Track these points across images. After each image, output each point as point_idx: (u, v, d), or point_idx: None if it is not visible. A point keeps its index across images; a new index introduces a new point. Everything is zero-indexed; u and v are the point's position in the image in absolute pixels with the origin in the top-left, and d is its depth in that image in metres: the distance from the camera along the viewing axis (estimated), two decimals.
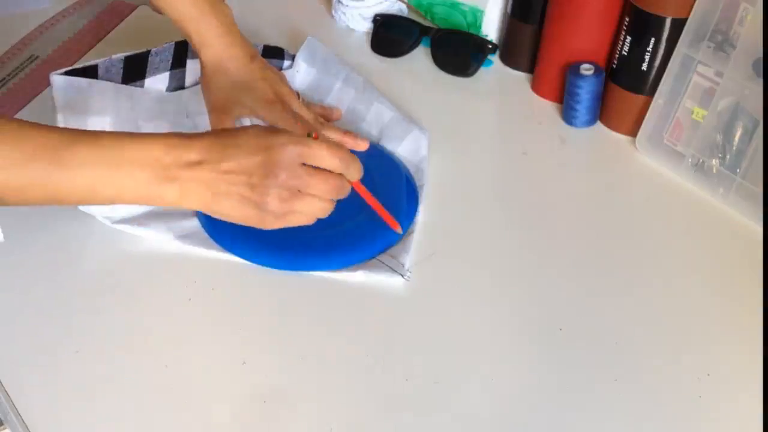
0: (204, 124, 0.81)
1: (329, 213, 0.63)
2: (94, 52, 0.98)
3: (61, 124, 0.75)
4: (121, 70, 0.80)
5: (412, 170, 0.80)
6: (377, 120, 0.84)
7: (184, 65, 0.85)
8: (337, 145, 0.63)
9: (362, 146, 0.80)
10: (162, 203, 0.59)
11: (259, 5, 1.08)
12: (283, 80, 0.82)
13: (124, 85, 0.80)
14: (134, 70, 0.81)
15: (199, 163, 0.58)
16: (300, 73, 0.89)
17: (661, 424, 0.59)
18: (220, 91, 0.77)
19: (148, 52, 0.82)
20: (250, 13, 1.05)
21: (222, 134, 0.60)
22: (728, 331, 0.66)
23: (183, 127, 0.82)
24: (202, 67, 0.77)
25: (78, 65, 0.78)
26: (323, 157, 0.60)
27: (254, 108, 0.78)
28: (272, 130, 0.61)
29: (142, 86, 0.82)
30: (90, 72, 0.78)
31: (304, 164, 0.60)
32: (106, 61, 0.79)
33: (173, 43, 0.83)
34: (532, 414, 0.60)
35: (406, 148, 0.82)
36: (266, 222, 0.61)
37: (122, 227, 0.72)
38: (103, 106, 0.78)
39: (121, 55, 0.80)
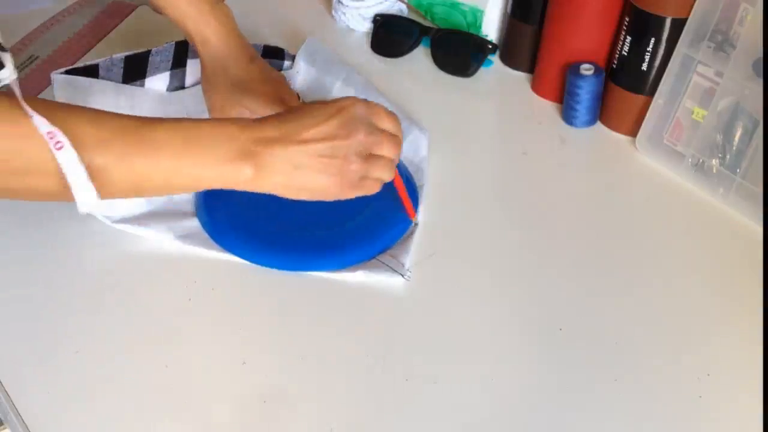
0: None
1: (393, 177, 0.64)
2: (94, 52, 0.98)
3: None
4: (122, 70, 0.80)
5: (412, 170, 0.80)
6: None
7: (184, 65, 0.85)
8: (390, 110, 0.63)
9: None
10: (238, 184, 0.58)
11: (259, 5, 1.08)
12: (283, 81, 0.82)
13: (124, 85, 0.81)
14: (135, 70, 0.81)
15: (277, 139, 0.58)
16: (300, 74, 0.89)
17: (661, 424, 0.59)
18: (220, 92, 0.77)
19: (149, 51, 0.82)
20: (250, 13, 1.05)
21: (288, 112, 0.61)
22: (728, 331, 0.66)
23: None
24: (203, 68, 0.77)
25: (79, 64, 0.78)
26: (383, 115, 0.62)
27: (254, 108, 0.78)
28: (332, 99, 0.62)
29: (142, 86, 0.82)
30: (91, 71, 0.78)
31: (371, 124, 0.61)
32: (106, 60, 0.79)
33: (174, 42, 0.83)
34: (532, 414, 0.60)
35: (405, 147, 0.82)
36: (344, 190, 0.61)
37: (122, 227, 0.72)
38: (104, 106, 0.78)
39: (122, 54, 0.80)
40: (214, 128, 0.57)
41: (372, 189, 0.63)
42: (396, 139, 0.63)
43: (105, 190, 0.54)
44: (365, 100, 0.62)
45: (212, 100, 0.77)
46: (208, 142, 0.56)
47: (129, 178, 0.55)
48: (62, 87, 0.76)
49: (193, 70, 0.85)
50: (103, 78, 0.79)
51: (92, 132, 0.53)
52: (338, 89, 0.88)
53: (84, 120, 0.53)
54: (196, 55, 0.81)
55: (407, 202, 0.72)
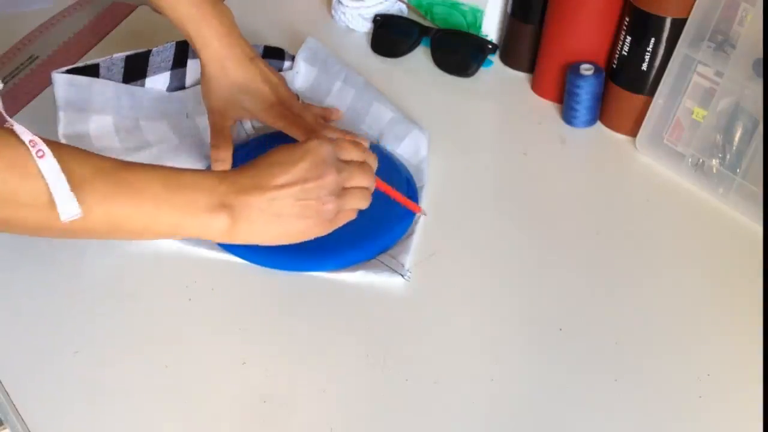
0: (204, 124, 0.81)
1: (369, 203, 0.65)
2: (94, 52, 0.98)
3: (62, 122, 0.76)
4: (122, 70, 0.80)
5: (412, 171, 0.80)
6: (377, 120, 0.84)
7: (184, 65, 0.85)
8: (355, 140, 0.65)
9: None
10: (215, 235, 0.59)
11: (259, 5, 1.08)
12: (283, 82, 0.82)
13: (125, 85, 0.81)
14: (135, 70, 0.81)
15: (253, 188, 0.59)
16: (300, 74, 0.89)
17: (661, 424, 0.59)
18: (219, 93, 0.77)
19: (149, 51, 0.82)
20: (250, 13, 1.05)
21: (258, 160, 0.61)
22: (728, 331, 0.66)
23: (183, 127, 0.82)
24: (202, 69, 0.77)
25: (79, 64, 0.78)
26: (349, 149, 0.64)
27: (254, 110, 0.78)
28: (295, 143, 0.63)
29: (142, 86, 0.82)
30: (91, 71, 0.78)
31: (339, 160, 0.63)
32: (107, 60, 0.79)
33: (174, 42, 0.83)
34: (532, 414, 0.60)
35: (405, 148, 0.82)
36: (323, 227, 0.62)
37: None
38: (105, 105, 0.79)
39: (122, 54, 0.80)
40: (195, 177, 0.58)
41: (349, 218, 0.64)
42: (366, 167, 0.64)
43: (82, 230, 0.54)
44: (329, 139, 0.63)
45: (212, 102, 0.77)
46: (189, 191, 0.57)
47: (108, 220, 0.54)
48: (62, 86, 0.76)
49: (193, 70, 0.85)
50: (103, 77, 0.79)
51: (74, 168, 0.52)
52: (338, 89, 0.88)
53: (66, 156, 0.52)
54: (196, 55, 0.81)
55: (404, 199, 0.72)
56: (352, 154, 0.64)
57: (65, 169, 0.51)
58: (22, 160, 0.50)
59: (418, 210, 0.74)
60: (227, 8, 0.77)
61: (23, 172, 0.50)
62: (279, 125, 0.78)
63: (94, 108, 0.78)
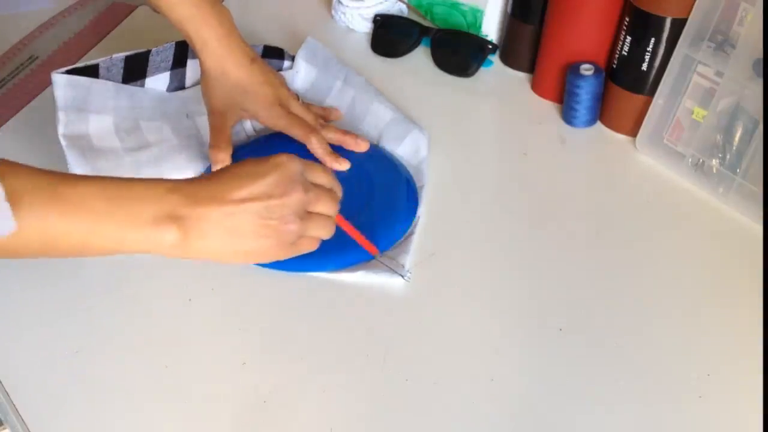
0: (204, 124, 0.81)
1: (332, 234, 0.61)
2: (94, 53, 0.98)
3: (61, 123, 0.76)
4: (122, 70, 0.80)
5: (412, 171, 0.80)
6: (377, 120, 0.84)
7: (184, 65, 0.85)
8: (324, 166, 0.62)
9: (362, 147, 0.80)
10: (163, 249, 0.54)
11: (259, 6, 1.08)
12: (283, 82, 0.82)
13: (124, 85, 0.81)
14: (135, 70, 0.81)
15: (210, 199, 0.54)
16: (300, 74, 0.89)
17: (661, 424, 0.59)
18: (220, 94, 0.77)
19: (149, 51, 0.82)
20: (250, 13, 1.05)
21: (222, 171, 0.57)
22: (728, 331, 0.66)
23: (183, 127, 0.82)
24: (202, 70, 0.77)
25: (79, 64, 0.78)
26: (319, 171, 0.60)
27: (254, 111, 0.78)
28: (266, 157, 0.58)
29: (142, 86, 0.82)
30: (91, 71, 0.78)
31: (307, 180, 0.59)
32: (107, 60, 0.79)
33: (174, 43, 0.83)
34: (532, 414, 0.60)
35: (405, 148, 0.82)
36: (280, 252, 0.58)
37: None
38: (104, 106, 0.79)
39: (122, 54, 0.80)
40: (142, 188, 0.53)
41: (310, 247, 0.60)
42: (333, 195, 0.61)
43: (16, 249, 0.50)
44: (297, 157, 0.58)
45: (212, 103, 0.77)
46: (133, 203, 0.52)
47: (43, 237, 0.50)
48: (62, 87, 0.76)
49: (193, 70, 0.85)
50: (103, 78, 0.79)
51: (11, 183, 0.49)
52: (338, 89, 0.88)
53: (4, 170, 0.49)
54: (196, 56, 0.81)
55: (361, 239, 0.68)
56: (321, 178, 0.60)
57: (1, 184, 0.48)
58: None
59: (375, 252, 0.70)
60: (226, 9, 0.77)
61: None
62: (279, 126, 0.78)
63: (94, 108, 0.78)
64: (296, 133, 0.77)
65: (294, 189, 0.56)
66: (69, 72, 0.77)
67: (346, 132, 0.80)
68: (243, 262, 0.58)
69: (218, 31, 0.75)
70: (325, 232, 0.61)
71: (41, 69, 0.94)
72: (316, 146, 0.77)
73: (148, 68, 0.82)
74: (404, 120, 0.83)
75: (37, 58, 0.96)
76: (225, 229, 0.54)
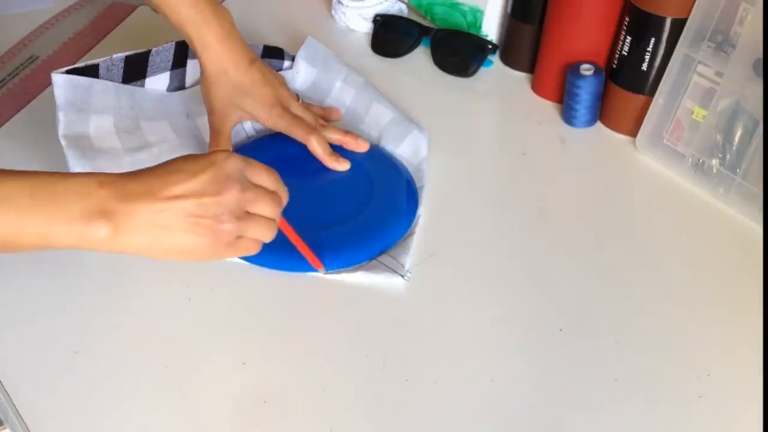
0: (204, 125, 0.81)
1: (273, 237, 0.59)
2: (94, 52, 0.98)
3: (62, 123, 0.76)
4: (122, 70, 0.80)
5: (412, 171, 0.80)
6: (377, 121, 0.84)
7: (184, 65, 0.85)
8: (269, 167, 0.60)
9: (363, 147, 0.80)
10: (93, 244, 0.53)
11: (259, 6, 1.08)
12: (283, 83, 0.82)
13: (124, 85, 0.81)
14: (135, 70, 0.81)
15: (139, 195, 0.53)
16: (300, 74, 0.89)
17: (661, 424, 0.59)
18: (219, 95, 0.77)
19: (149, 52, 0.82)
20: (250, 13, 1.05)
21: (157, 166, 0.56)
22: (728, 331, 0.66)
23: (183, 127, 0.82)
24: (202, 71, 0.77)
25: (79, 64, 0.78)
26: (261, 171, 0.58)
27: (254, 112, 0.78)
28: (205, 153, 0.57)
29: (142, 86, 0.82)
30: (91, 71, 0.78)
31: (247, 180, 0.57)
32: (107, 60, 0.79)
33: (174, 43, 0.83)
34: (532, 414, 0.60)
35: (405, 148, 0.82)
36: (217, 251, 0.56)
37: None
38: (105, 106, 0.78)
39: (122, 54, 0.80)
40: (71, 183, 0.53)
41: (250, 249, 0.58)
42: (275, 197, 0.58)
43: None
44: (237, 155, 0.57)
45: (212, 104, 0.77)
46: (60, 199, 0.52)
47: None
48: (62, 87, 0.76)
49: (193, 70, 0.85)
50: (103, 78, 0.79)
51: None
52: (338, 89, 0.88)
53: None
54: (196, 57, 0.81)
55: (306, 251, 0.67)
56: (262, 178, 0.58)
57: None
58: None
59: (319, 266, 0.69)
60: (226, 10, 0.77)
61: None
62: (279, 127, 0.78)
63: (94, 108, 0.78)
64: (296, 133, 0.77)
65: (229, 187, 0.55)
66: (69, 72, 0.77)
67: (346, 132, 0.80)
68: (178, 258, 0.56)
69: (218, 32, 0.75)
70: (265, 234, 0.58)
71: (41, 69, 0.94)
72: (316, 147, 0.77)
73: (148, 68, 0.82)
74: (404, 120, 0.83)
75: (37, 58, 0.96)
76: (155, 225, 0.53)
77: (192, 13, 0.74)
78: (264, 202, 0.57)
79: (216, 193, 0.54)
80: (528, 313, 0.67)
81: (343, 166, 0.78)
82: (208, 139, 0.79)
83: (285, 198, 0.60)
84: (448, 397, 0.60)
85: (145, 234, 0.53)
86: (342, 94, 0.88)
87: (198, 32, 0.75)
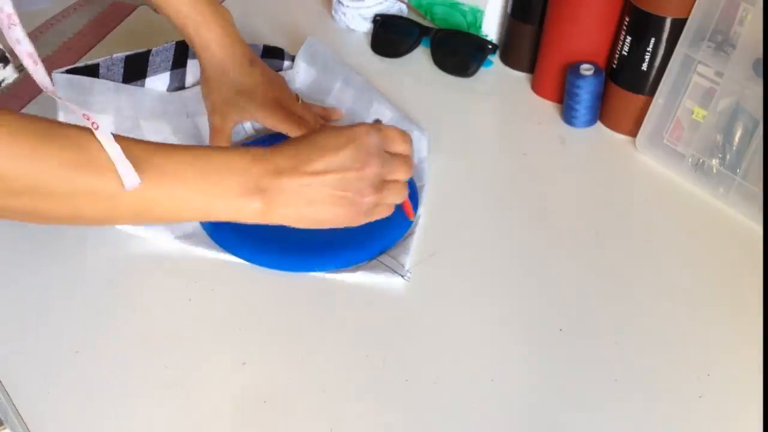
0: (204, 125, 0.81)
1: (406, 196, 0.63)
2: (94, 52, 0.98)
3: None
4: (122, 70, 0.80)
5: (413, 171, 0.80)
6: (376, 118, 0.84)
7: (184, 65, 0.85)
8: (404, 131, 0.62)
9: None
10: (248, 216, 0.57)
11: (259, 6, 1.08)
12: (283, 83, 0.82)
13: (125, 84, 0.81)
14: (135, 70, 0.81)
15: (287, 170, 0.57)
16: (300, 74, 0.89)
17: (661, 424, 0.59)
18: (219, 95, 0.77)
19: (149, 51, 0.82)
20: (250, 13, 1.05)
21: (301, 140, 0.59)
22: (728, 331, 0.66)
23: (183, 128, 0.82)
24: (202, 71, 0.77)
25: (79, 64, 0.78)
26: (397, 139, 0.61)
27: (254, 112, 0.78)
28: (343, 126, 0.60)
29: (142, 86, 0.82)
30: (91, 70, 0.78)
31: (385, 151, 0.60)
32: (107, 59, 0.80)
33: (174, 42, 0.83)
34: (532, 414, 0.60)
35: None
36: (356, 219, 0.60)
37: (122, 227, 0.72)
38: (105, 105, 0.79)
39: (122, 54, 0.80)
40: (227, 159, 0.57)
41: (385, 213, 0.62)
42: (408, 160, 0.62)
43: (112, 215, 0.54)
44: (378, 126, 0.60)
45: (212, 104, 0.77)
46: (221, 175, 0.56)
47: (137, 205, 0.54)
48: (63, 86, 0.76)
49: (193, 70, 0.85)
50: (103, 77, 0.79)
51: (99, 156, 0.51)
52: (338, 89, 0.88)
53: (95, 142, 0.52)
54: (196, 57, 0.81)
55: (406, 202, 0.70)
56: (398, 145, 0.61)
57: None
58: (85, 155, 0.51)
59: (411, 216, 0.71)
60: (226, 10, 0.77)
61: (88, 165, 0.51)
62: (279, 127, 0.78)
63: (95, 108, 0.78)
64: (296, 133, 0.77)
65: (370, 163, 0.58)
66: (69, 71, 0.77)
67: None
68: (318, 226, 0.60)
69: (218, 32, 0.75)
70: (400, 197, 0.62)
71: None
72: None
73: (148, 68, 0.82)
74: (404, 120, 0.83)
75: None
76: (303, 198, 0.57)
77: (192, 14, 0.74)
78: (401, 169, 0.61)
79: (359, 169, 0.58)
80: (528, 313, 0.67)
81: None
82: (208, 140, 0.79)
83: (413, 155, 0.64)
84: (448, 397, 0.60)
85: (293, 206, 0.58)
86: (342, 94, 0.88)
87: (198, 33, 0.75)
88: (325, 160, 0.57)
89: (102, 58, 0.79)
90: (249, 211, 0.57)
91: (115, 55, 0.80)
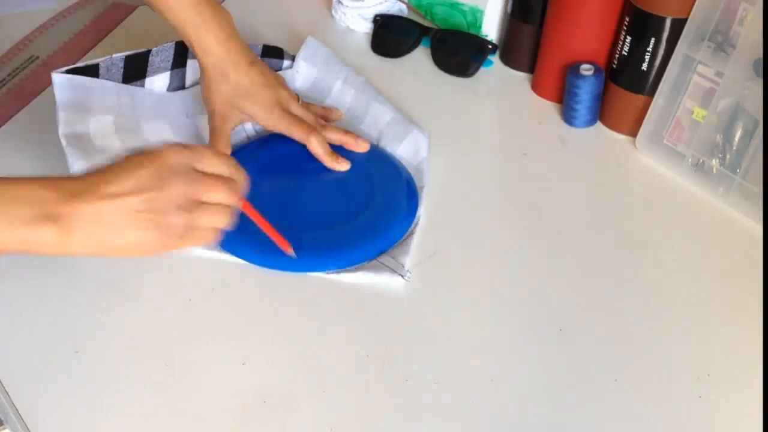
0: (204, 125, 0.81)
1: (231, 225, 0.59)
2: (94, 53, 0.98)
3: (62, 123, 0.76)
4: (122, 70, 0.80)
5: (412, 171, 0.80)
6: (377, 121, 0.84)
7: (184, 65, 0.85)
8: (221, 151, 0.59)
9: (363, 147, 0.80)
10: (42, 248, 0.53)
11: (259, 6, 1.08)
12: (283, 84, 0.82)
13: (125, 85, 0.81)
14: (135, 70, 0.81)
15: (81, 194, 0.53)
16: (300, 73, 0.89)
17: (661, 424, 0.59)
18: (220, 97, 0.77)
19: (149, 51, 0.82)
20: (250, 13, 1.05)
21: (108, 165, 0.56)
22: (728, 331, 0.66)
23: (183, 127, 0.82)
24: (202, 73, 0.77)
25: (79, 64, 0.78)
26: (211, 158, 0.58)
27: (254, 113, 0.78)
28: (154, 147, 0.57)
29: (142, 86, 0.82)
30: (91, 71, 0.78)
31: (196, 170, 0.57)
32: (107, 60, 0.80)
33: (174, 42, 0.83)
34: (532, 414, 0.60)
35: (405, 148, 0.82)
36: (169, 243, 0.56)
37: None
38: (105, 106, 0.79)
39: (122, 54, 0.80)
40: (13, 188, 0.52)
41: (206, 238, 0.58)
42: (230, 183, 0.58)
43: None
44: (188, 146, 0.57)
45: (212, 106, 0.77)
46: (7, 205, 0.51)
47: None
48: (62, 87, 0.76)
49: (193, 70, 0.85)
50: (103, 78, 0.79)
51: None
52: (338, 89, 0.88)
53: None
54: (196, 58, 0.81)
55: (275, 235, 0.67)
56: (212, 165, 0.58)
57: None
58: None
59: (289, 250, 0.67)
60: (227, 12, 0.77)
61: None
62: (279, 128, 0.78)
63: (95, 108, 0.78)
64: (296, 134, 0.77)
65: (173, 181, 0.55)
66: (69, 72, 0.77)
67: (346, 132, 0.80)
68: (131, 255, 0.57)
69: (218, 34, 0.75)
70: (220, 221, 0.58)
71: (41, 69, 0.94)
72: (315, 147, 0.77)
73: (148, 68, 0.82)
74: (404, 120, 0.83)
75: (37, 58, 0.96)
76: (102, 224, 0.53)
77: (191, 15, 0.74)
78: (217, 189, 0.57)
79: (159, 188, 0.54)
80: (528, 313, 0.67)
81: (342, 166, 0.78)
82: (208, 140, 0.79)
83: (241, 181, 0.60)
84: (448, 397, 0.60)
85: (91, 234, 0.53)
86: (342, 94, 0.88)
87: (197, 34, 0.75)
88: (120, 180, 0.54)
89: (101, 59, 0.79)
90: (43, 242, 0.52)
91: (115, 56, 0.80)
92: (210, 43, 0.75)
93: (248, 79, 0.77)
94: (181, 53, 0.84)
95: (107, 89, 0.79)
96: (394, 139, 0.82)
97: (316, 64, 0.89)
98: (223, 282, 0.69)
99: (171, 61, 0.84)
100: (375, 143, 0.82)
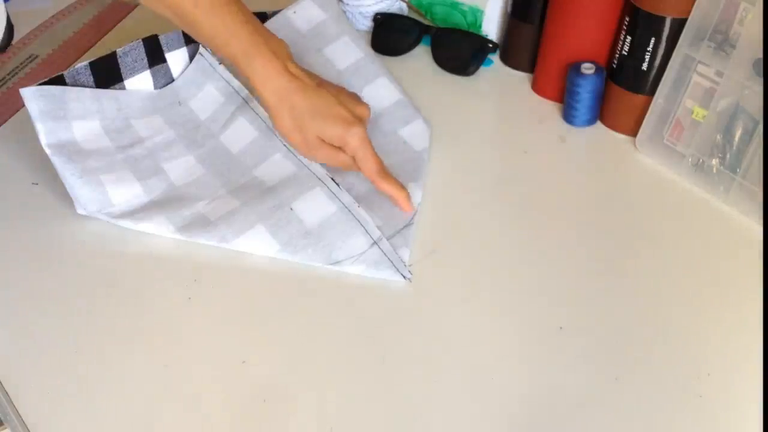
0: (197, 107, 0.82)
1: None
2: (94, 52, 0.98)
3: (42, 134, 0.74)
4: (91, 77, 0.78)
5: (413, 157, 0.80)
6: (380, 96, 0.85)
7: (163, 60, 0.83)
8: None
9: (406, 209, 0.75)
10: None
11: (259, 5, 1.08)
12: (354, 97, 0.79)
13: (104, 90, 0.79)
14: (107, 74, 0.79)
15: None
16: (305, 13, 0.88)
17: (661, 424, 0.59)
18: (294, 126, 0.73)
19: (114, 53, 0.79)
20: None
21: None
22: (728, 330, 0.66)
23: (178, 117, 0.82)
24: (267, 107, 0.74)
25: (43, 80, 0.76)
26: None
27: (332, 135, 0.73)
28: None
29: (123, 88, 0.80)
30: (56, 83, 0.76)
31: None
32: (71, 71, 0.77)
33: (140, 40, 0.81)
34: (532, 413, 0.60)
35: (409, 133, 0.82)
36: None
37: (122, 223, 0.72)
38: (86, 111, 0.77)
39: (85, 62, 0.78)
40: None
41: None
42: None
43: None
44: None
45: (291, 138, 0.74)
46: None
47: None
48: (33, 99, 0.74)
49: (176, 61, 0.83)
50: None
51: None
52: (345, 43, 0.88)
53: None
54: (175, 47, 0.81)
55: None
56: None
57: None
58: None
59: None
60: (282, 42, 0.74)
61: None
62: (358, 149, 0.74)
63: (75, 114, 0.76)
64: (364, 166, 0.74)
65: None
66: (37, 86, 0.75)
67: (401, 188, 0.75)
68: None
69: (276, 64, 0.72)
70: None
71: (41, 68, 0.94)
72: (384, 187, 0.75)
73: (122, 70, 0.80)
74: (411, 105, 0.84)
75: (37, 57, 0.96)
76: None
77: (244, 48, 0.72)
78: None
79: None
80: (528, 312, 0.67)
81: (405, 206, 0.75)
82: (204, 120, 0.81)
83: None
84: (448, 396, 0.60)
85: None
86: (348, 49, 0.87)
87: (251, 66, 0.72)
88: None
89: (65, 71, 0.77)
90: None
91: (78, 65, 0.78)
92: (268, 75, 0.73)
93: (320, 100, 0.74)
94: (155, 50, 0.82)
95: (84, 96, 0.77)
96: (399, 120, 0.83)
97: (328, 10, 0.89)
98: (223, 281, 0.69)
99: (145, 59, 0.81)
100: (375, 117, 0.84)
